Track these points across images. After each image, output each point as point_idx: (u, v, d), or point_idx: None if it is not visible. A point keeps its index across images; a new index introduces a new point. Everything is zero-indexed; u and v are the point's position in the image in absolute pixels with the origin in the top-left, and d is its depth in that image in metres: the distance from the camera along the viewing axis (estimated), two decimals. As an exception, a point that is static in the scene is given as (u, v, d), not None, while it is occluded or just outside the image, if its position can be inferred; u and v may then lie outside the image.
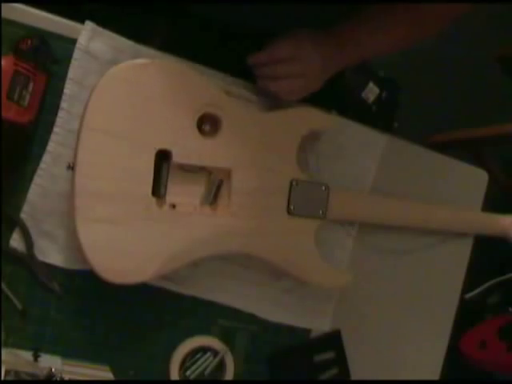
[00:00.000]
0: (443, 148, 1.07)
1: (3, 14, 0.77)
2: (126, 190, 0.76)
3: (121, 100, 0.77)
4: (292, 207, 0.86)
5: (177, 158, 0.80)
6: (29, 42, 0.76)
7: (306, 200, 0.87)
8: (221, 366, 0.88)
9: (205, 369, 0.88)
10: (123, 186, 0.76)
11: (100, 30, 0.83)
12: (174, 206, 0.81)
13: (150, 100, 0.78)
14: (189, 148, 0.80)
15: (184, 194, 0.82)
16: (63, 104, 0.81)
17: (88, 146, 0.75)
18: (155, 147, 0.78)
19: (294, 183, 0.86)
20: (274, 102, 0.90)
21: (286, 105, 0.88)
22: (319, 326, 0.95)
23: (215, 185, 0.84)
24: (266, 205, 0.85)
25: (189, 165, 0.82)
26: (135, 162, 0.77)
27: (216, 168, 0.83)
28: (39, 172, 0.80)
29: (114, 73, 0.77)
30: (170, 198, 0.81)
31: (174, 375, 0.86)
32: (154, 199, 0.78)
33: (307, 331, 0.95)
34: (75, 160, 0.75)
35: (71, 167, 0.80)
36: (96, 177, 0.75)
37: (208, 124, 0.82)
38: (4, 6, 0.77)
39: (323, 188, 0.89)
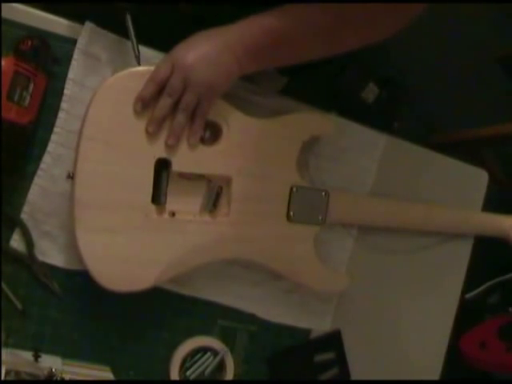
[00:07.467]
0: (443, 148, 1.06)
1: (3, 14, 0.77)
2: (125, 198, 0.76)
3: (119, 109, 0.76)
4: (292, 214, 0.86)
5: (176, 166, 0.79)
6: (29, 42, 0.76)
7: (305, 206, 0.86)
8: (221, 366, 0.88)
9: (205, 369, 0.88)
10: (123, 194, 0.76)
11: (100, 30, 0.83)
12: (173, 214, 0.80)
13: (148, 108, 0.77)
14: (188, 156, 0.80)
15: (184, 201, 0.82)
16: (63, 105, 0.81)
17: (87, 155, 0.75)
18: (155, 156, 0.78)
19: (293, 189, 0.86)
20: (274, 105, 0.90)
21: (287, 110, 0.87)
22: (319, 326, 0.95)
23: (215, 192, 0.84)
24: (266, 212, 0.84)
25: (188, 173, 0.82)
26: (135, 171, 0.77)
27: (216, 176, 0.83)
28: (39, 172, 0.80)
29: (112, 82, 0.77)
30: (169, 205, 0.81)
31: (174, 375, 0.86)
32: (153, 207, 0.78)
33: (307, 331, 0.95)
34: (75, 170, 0.75)
35: (71, 177, 0.80)
36: (96, 186, 0.75)
37: (208, 131, 0.82)
38: (4, 5, 0.77)
39: (323, 194, 0.89)
